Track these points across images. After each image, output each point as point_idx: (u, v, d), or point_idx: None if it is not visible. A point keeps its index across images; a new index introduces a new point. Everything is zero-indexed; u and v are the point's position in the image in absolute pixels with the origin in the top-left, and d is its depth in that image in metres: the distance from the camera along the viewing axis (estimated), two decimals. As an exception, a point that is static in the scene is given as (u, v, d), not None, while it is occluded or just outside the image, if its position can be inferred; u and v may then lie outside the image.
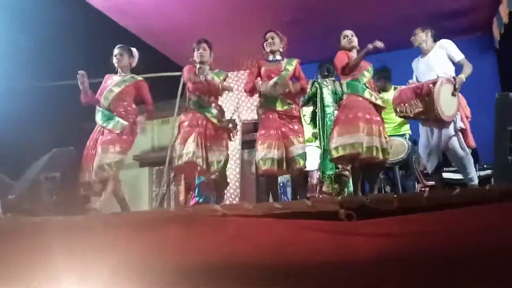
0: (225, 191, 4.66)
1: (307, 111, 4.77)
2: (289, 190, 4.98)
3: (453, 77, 3.78)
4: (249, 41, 5.53)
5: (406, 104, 3.77)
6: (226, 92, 4.36)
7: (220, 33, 5.45)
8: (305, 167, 3.95)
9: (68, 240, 2.39)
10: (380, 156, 3.57)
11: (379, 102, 3.72)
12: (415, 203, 2.00)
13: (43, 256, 2.37)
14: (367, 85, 3.75)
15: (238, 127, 5.88)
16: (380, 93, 4.33)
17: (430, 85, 3.63)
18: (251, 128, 7.47)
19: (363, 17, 5.20)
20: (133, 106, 4.03)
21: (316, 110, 4.64)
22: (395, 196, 2.08)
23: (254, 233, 2.09)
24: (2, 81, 5.97)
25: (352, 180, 4.11)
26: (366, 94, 3.69)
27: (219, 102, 4.17)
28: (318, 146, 4.68)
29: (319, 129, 4.57)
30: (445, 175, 4.40)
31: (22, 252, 2.48)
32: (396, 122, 4.70)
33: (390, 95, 4.36)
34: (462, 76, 3.76)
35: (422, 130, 3.99)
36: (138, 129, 3.97)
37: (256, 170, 3.87)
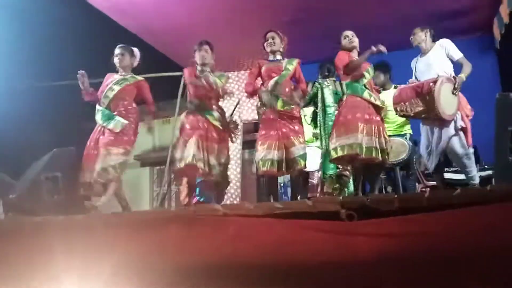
0: (226, 191, 4.66)
1: (307, 111, 4.77)
2: (289, 190, 4.98)
3: (453, 77, 3.79)
4: (249, 41, 5.53)
5: (407, 103, 3.78)
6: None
7: (220, 33, 5.45)
8: (306, 168, 3.95)
9: (69, 239, 2.39)
10: (380, 157, 3.57)
11: (378, 102, 3.72)
12: (416, 204, 2.00)
13: (43, 256, 2.37)
14: (366, 86, 3.75)
15: (239, 128, 5.89)
16: (380, 92, 4.33)
17: (431, 84, 3.63)
18: (252, 128, 7.47)
19: (363, 17, 5.20)
20: (134, 105, 4.03)
21: (317, 111, 4.64)
22: (396, 196, 2.08)
23: (255, 233, 2.09)
24: (2, 81, 5.98)
25: (353, 180, 4.12)
26: (366, 95, 3.69)
27: (220, 103, 4.17)
28: (318, 147, 4.68)
29: (320, 129, 4.57)
30: (446, 175, 4.40)
31: (22, 251, 2.48)
32: (398, 122, 4.70)
33: (390, 94, 4.37)
34: (462, 76, 3.76)
35: (423, 129, 3.99)
36: (145, 129, 3.98)
37: (257, 170, 3.85)
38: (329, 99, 4.59)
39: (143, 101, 4.13)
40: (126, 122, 3.86)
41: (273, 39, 3.94)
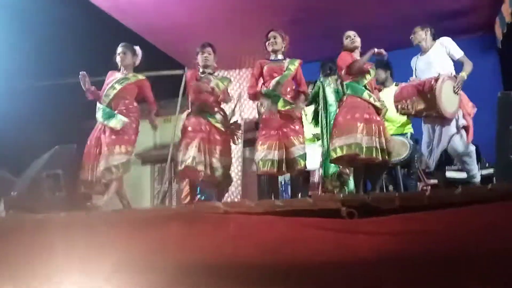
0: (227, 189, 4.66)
1: (308, 109, 4.77)
2: (290, 188, 4.99)
3: (454, 75, 3.78)
4: (250, 39, 5.53)
5: (408, 101, 3.78)
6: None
7: (221, 31, 5.46)
8: (305, 168, 3.95)
9: (70, 237, 2.39)
10: (380, 157, 3.56)
11: (377, 103, 3.72)
12: (417, 202, 2.00)
13: (44, 253, 2.37)
14: (367, 86, 3.75)
15: (241, 129, 5.90)
16: (380, 90, 4.33)
17: (432, 82, 3.63)
18: (253, 126, 7.47)
19: (363, 16, 5.20)
20: (135, 104, 4.02)
21: (318, 109, 4.64)
22: (397, 194, 2.08)
23: (256, 231, 2.09)
24: (2, 81, 5.98)
25: (354, 179, 4.12)
26: (365, 95, 3.69)
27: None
28: (320, 145, 4.68)
29: (321, 128, 4.57)
30: (448, 174, 4.40)
31: (23, 248, 2.48)
32: (399, 121, 4.69)
33: (391, 91, 4.37)
34: (464, 74, 3.76)
35: (424, 128, 3.99)
36: (151, 126, 3.98)
37: (257, 170, 3.85)
38: (331, 97, 4.59)
39: (144, 99, 4.13)
40: (126, 119, 3.85)
41: (274, 38, 3.94)
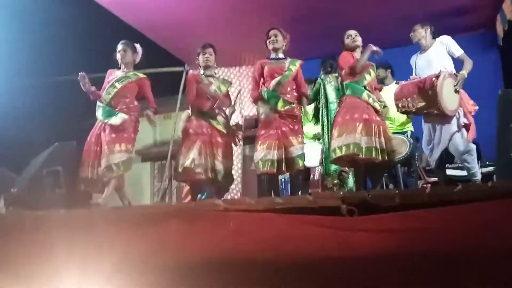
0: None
1: (308, 108, 4.76)
2: (290, 186, 4.99)
3: (455, 74, 3.78)
4: (251, 37, 5.52)
5: (409, 99, 3.77)
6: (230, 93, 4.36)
7: (222, 29, 5.45)
8: (304, 168, 3.95)
9: (69, 234, 2.39)
10: (380, 157, 3.55)
11: (376, 105, 3.71)
12: (417, 199, 2.00)
13: (44, 250, 2.37)
14: (367, 87, 3.75)
15: (242, 131, 5.91)
16: (381, 89, 4.32)
17: (433, 79, 3.62)
18: (253, 123, 7.46)
19: (364, 15, 5.20)
20: (135, 103, 4.01)
21: (319, 107, 4.63)
22: (397, 192, 2.07)
23: (256, 228, 2.09)
24: (3, 79, 5.98)
25: (355, 178, 4.12)
26: (364, 96, 3.68)
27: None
28: (320, 142, 4.67)
29: (322, 125, 4.57)
30: (448, 171, 4.40)
31: (23, 245, 2.48)
32: (400, 120, 4.69)
33: (391, 89, 4.36)
34: (464, 72, 3.76)
35: (425, 126, 3.99)
36: (149, 122, 3.96)
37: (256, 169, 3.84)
38: (332, 95, 4.58)
39: (143, 98, 4.12)
40: (126, 116, 3.85)
41: (275, 36, 3.92)
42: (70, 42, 6.63)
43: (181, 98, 6.67)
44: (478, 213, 1.85)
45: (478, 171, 3.79)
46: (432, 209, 1.90)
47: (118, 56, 4.01)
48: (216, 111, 3.97)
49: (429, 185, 4.66)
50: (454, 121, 3.73)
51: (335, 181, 4.48)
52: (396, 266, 1.78)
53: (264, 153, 3.68)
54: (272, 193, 4.03)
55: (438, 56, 3.90)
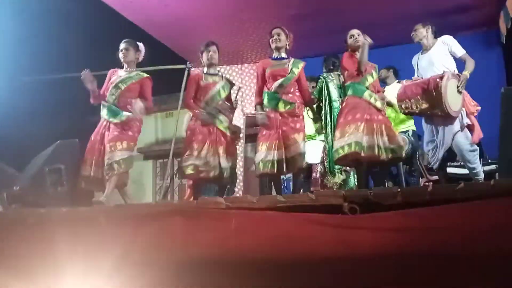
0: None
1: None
2: (291, 184, 4.99)
3: (458, 74, 3.77)
4: (254, 35, 5.53)
5: (412, 100, 3.76)
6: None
7: (225, 26, 5.44)
8: (305, 166, 3.94)
9: (72, 232, 2.39)
10: (384, 155, 3.55)
11: (378, 104, 3.70)
12: (419, 198, 1.99)
13: (47, 248, 2.38)
14: (369, 87, 3.74)
15: (242, 126, 5.93)
16: (383, 91, 4.31)
17: (437, 80, 3.61)
18: (255, 121, 7.45)
19: (366, 13, 5.19)
20: None
21: (321, 105, 4.62)
22: (399, 190, 2.07)
23: (257, 226, 2.09)
24: (7, 76, 5.99)
25: (357, 176, 4.11)
26: (366, 95, 3.68)
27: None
28: (322, 140, 4.67)
29: (325, 123, 4.56)
30: (450, 170, 4.39)
31: (26, 243, 2.49)
32: (397, 117, 4.67)
33: (392, 89, 4.35)
34: (466, 73, 3.75)
35: (426, 127, 3.98)
36: (137, 110, 3.88)
37: (256, 169, 3.84)
38: (334, 93, 4.58)
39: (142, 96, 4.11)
40: (130, 114, 3.86)
41: (278, 35, 3.89)
42: (73, 40, 6.63)
43: (183, 95, 6.66)
44: (480, 211, 1.84)
45: (480, 171, 3.78)
46: (434, 207, 1.90)
47: (121, 55, 4.01)
48: (221, 109, 3.97)
49: (431, 183, 4.65)
50: (457, 121, 3.72)
51: (336, 180, 4.48)
52: (398, 264, 1.78)
53: (265, 154, 3.67)
54: (274, 192, 4.03)
55: (440, 56, 3.89)
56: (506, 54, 5.97)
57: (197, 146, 3.79)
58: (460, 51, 3.87)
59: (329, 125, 4.52)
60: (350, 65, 3.77)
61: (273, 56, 3.95)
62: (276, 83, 3.78)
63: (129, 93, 3.95)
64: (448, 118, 3.70)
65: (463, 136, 3.73)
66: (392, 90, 4.37)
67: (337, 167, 4.46)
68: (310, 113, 4.68)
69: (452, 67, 3.86)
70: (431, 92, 3.64)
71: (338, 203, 2.04)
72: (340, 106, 4.14)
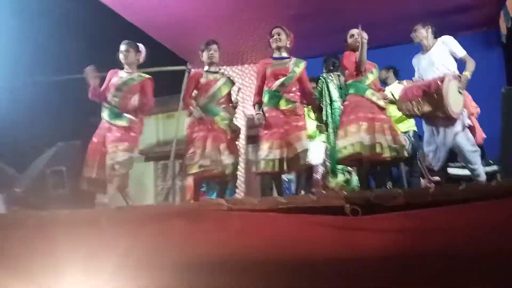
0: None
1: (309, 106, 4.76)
2: (293, 185, 4.99)
3: (458, 75, 3.77)
4: (254, 35, 5.53)
5: (413, 102, 3.75)
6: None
7: (225, 27, 5.44)
8: (309, 163, 3.94)
9: (73, 234, 2.39)
10: (386, 153, 3.55)
11: (380, 102, 3.71)
12: (421, 199, 2.00)
13: (48, 250, 2.38)
14: (370, 86, 3.75)
15: (243, 127, 5.93)
16: (384, 90, 4.31)
17: (439, 82, 3.61)
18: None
19: (366, 13, 5.16)
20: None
21: (322, 105, 4.62)
22: (401, 191, 2.07)
23: (259, 228, 2.09)
24: (9, 77, 6.00)
25: (358, 176, 4.11)
26: (368, 94, 3.68)
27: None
28: (324, 141, 4.67)
29: (327, 124, 4.56)
30: (452, 170, 4.38)
31: (27, 245, 2.49)
32: (395, 116, 4.67)
33: (393, 89, 4.34)
34: (467, 74, 3.74)
35: (426, 128, 3.97)
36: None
37: (257, 168, 3.83)
38: (334, 93, 4.57)
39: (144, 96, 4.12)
40: (133, 117, 3.88)
41: (278, 35, 3.89)
42: (74, 41, 6.64)
43: (183, 95, 6.67)
44: (482, 212, 1.85)
45: (482, 172, 3.77)
46: (435, 209, 1.90)
47: (121, 56, 4.01)
48: (222, 107, 3.97)
49: (433, 184, 4.64)
50: (458, 121, 3.72)
51: (338, 181, 4.48)
52: (400, 266, 1.78)
53: (267, 152, 3.67)
54: (275, 192, 4.03)
55: (441, 57, 3.88)
56: (506, 54, 5.96)
57: (200, 143, 3.77)
58: (461, 52, 3.86)
59: (330, 125, 4.52)
60: (350, 64, 3.78)
61: (274, 56, 3.95)
62: (277, 82, 3.78)
63: (131, 95, 3.96)
64: (449, 120, 3.70)
65: (464, 136, 3.72)
66: (393, 90, 4.37)
67: (339, 167, 4.46)
68: (312, 113, 4.69)
69: (453, 67, 3.86)
70: (432, 95, 3.64)
71: (339, 204, 2.05)
72: (341, 106, 4.14)
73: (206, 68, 4.02)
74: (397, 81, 4.75)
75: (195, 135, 3.83)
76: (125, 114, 3.87)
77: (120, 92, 3.92)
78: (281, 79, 3.77)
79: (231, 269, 1.98)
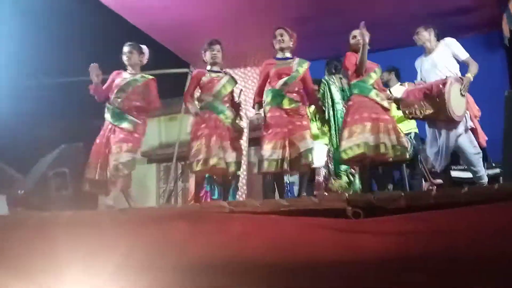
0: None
1: (312, 108, 4.76)
2: (295, 188, 4.99)
3: (460, 77, 3.76)
4: (256, 37, 5.51)
5: (415, 105, 3.75)
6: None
7: (227, 29, 5.44)
8: (313, 163, 3.94)
9: (76, 235, 2.40)
10: (390, 153, 3.55)
11: (385, 103, 3.71)
12: (423, 201, 1.99)
13: (50, 251, 2.38)
14: (374, 86, 3.75)
15: (245, 129, 5.93)
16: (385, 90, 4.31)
17: (440, 86, 3.60)
18: (258, 125, 7.45)
19: (368, 15, 5.15)
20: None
21: (325, 108, 4.63)
22: (403, 194, 2.07)
23: (261, 230, 2.09)
24: (11, 79, 6.02)
25: (360, 178, 4.11)
26: (372, 94, 3.69)
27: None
28: (326, 144, 4.67)
29: (330, 126, 4.56)
30: (454, 173, 4.38)
31: (29, 246, 2.49)
32: (395, 116, 4.66)
33: (395, 92, 4.34)
34: (470, 76, 3.74)
35: (429, 129, 3.97)
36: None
37: (259, 169, 3.83)
38: (337, 96, 4.58)
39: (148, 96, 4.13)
40: (138, 121, 3.89)
41: (281, 36, 3.91)
42: (77, 43, 6.67)
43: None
44: (485, 215, 1.84)
45: (484, 174, 3.77)
46: (438, 211, 1.89)
47: (125, 58, 4.03)
48: (227, 105, 3.97)
49: (435, 187, 4.64)
50: (461, 123, 3.71)
51: (341, 183, 4.47)
52: (401, 269, 1.78)
53: (270, 152, 3.67)
54: (277, 194, 4.03)
55: (443, 59, 3.88)
56: (509, 56, 5.94)
57: (205, 141, 3.77)
58: (464, 54, 3.86)
59: (333, 127, 4.52)
60: (352, 65, 3.78)
61: (277, 56, 3.95)
62: (281, 81, 3.80)
63: (134, 96, 3.97)
64: (451, 123, 3.70)
65: (467, 138, 3.72)
66: (395, 92, 4.37)
67: (342, 169, 4.46)
68: (316, 115, 4.69)
69: (455, 69, 3.86)
70: (435, 98, 3.63)
71: (341, 207, 2.04)
72: (344, 108, 4.14)
73: (208, 67, 4.02)
74: (399, 83, 4.75)
75: (200, 133, 3.83)
76: (128, 116, 3.88)
77: (123, 93, 3.93)
78: (284, 78, 3.79)
79: (233, 271, 1.98)
